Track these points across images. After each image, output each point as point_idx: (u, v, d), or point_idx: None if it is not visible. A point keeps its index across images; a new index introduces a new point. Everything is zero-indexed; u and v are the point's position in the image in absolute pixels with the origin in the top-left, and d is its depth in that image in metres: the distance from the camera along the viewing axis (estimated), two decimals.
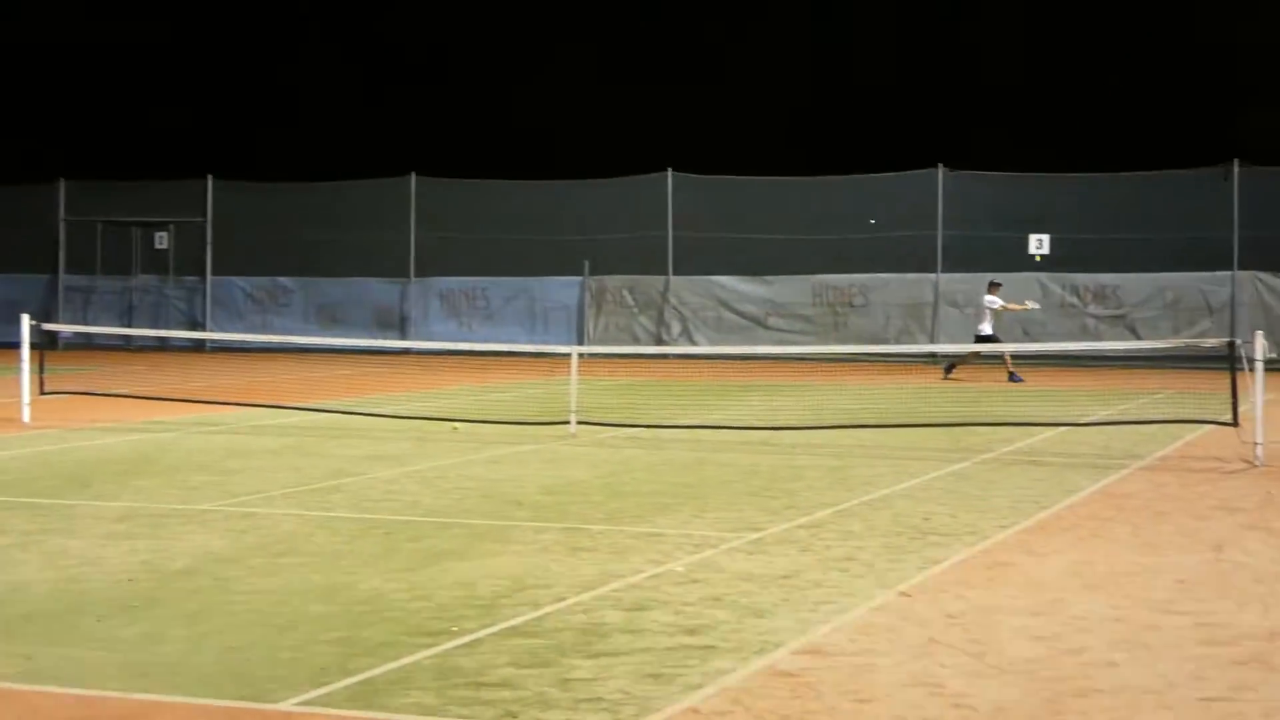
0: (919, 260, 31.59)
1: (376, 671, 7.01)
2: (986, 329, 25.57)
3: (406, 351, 31.91)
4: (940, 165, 31.58)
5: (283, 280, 35.50)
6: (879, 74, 40.58)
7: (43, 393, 18.59)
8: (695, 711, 6.41)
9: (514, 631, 7.77)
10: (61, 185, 36.77)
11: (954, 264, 31.43)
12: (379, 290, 34.83)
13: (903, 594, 8.70)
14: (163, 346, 34.65)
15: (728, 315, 32.62)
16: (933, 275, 31.43)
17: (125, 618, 8.13)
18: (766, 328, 32.12)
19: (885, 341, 30.76)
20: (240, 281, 35.67)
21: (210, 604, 8.49)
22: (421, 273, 34.61)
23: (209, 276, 35.83)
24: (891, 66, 40.88)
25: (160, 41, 44.07)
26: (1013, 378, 24.74)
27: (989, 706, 6.52)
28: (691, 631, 7.76)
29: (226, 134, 43.09)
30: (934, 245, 31.49)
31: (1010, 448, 15.80)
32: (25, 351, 18.30)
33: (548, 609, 8.26)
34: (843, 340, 29.92)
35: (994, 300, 25.62)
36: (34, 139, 42.67)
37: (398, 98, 43.20)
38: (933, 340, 30.64)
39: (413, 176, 34.75)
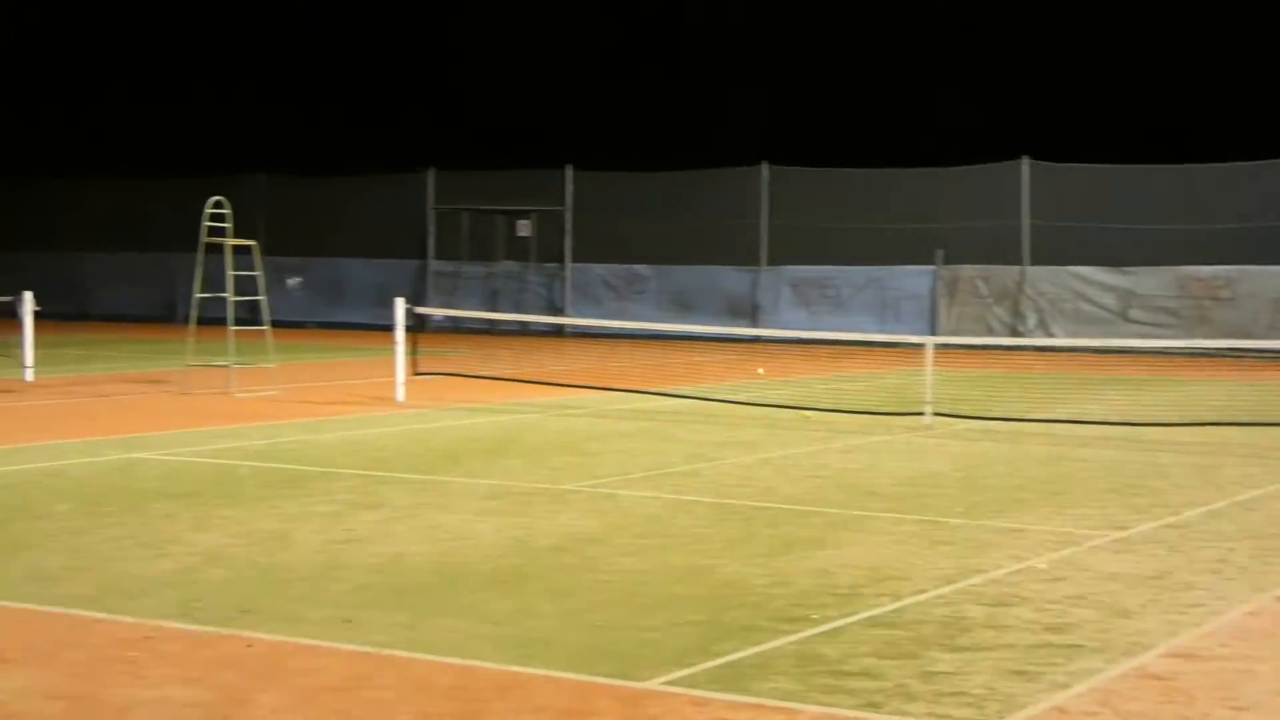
0: None
1: (739, 655, 7.12)
2: None
3: (757, 339, 32.10)
4: None
5: (638, 268, 36.13)
6: (1256, 55, 38.89)
7: (415, 374, 19.40)
8: (1062, 711, 6.31)
9: (874, 622, 7.78)
10: (431, 175, 38.23)
11: None
12: (730, 278, 35.13)
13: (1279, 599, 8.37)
14: (524, 331, 35.69)
15: (1086, 307, 31.76)
16: None
17: (498, 591, 8.45)
18: (1127, 320, 31.16)
19: (1254, 336, 29.46)
20: (598, 269, 36.46)
21: (577, 581, 8.75)
22: (773, 261, 34.76)
23: (569, 263, 36.74)
24: (1260, 47, 39.12)
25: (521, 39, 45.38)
26: None
27: None
28: (1056, 629, 7.63)
29: (586, 124, 44.05)
30: None
31: None
32: (400, 334, 19.12)
33: (907, 600, 8.24)
34: (1209, 335, 28.77)
35: None
36: (405, 131, 44.44)
37: (750, 88, 43.46)
38: None
39: (764, 166, 34.91)
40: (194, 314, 20.57)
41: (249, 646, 7.27)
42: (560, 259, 36.95)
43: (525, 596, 8.35)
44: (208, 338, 21.30)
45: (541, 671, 6.86)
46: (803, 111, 42.38)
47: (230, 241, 20.23)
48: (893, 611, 7.99)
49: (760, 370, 16.90)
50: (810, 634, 7.51)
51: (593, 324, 31.26)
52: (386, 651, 7.15)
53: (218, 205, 20.50)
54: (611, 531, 10.24)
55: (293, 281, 37.75)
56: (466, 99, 45.91)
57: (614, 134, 43.20)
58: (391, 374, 19.09)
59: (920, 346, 18.11)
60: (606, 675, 6.79)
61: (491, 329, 35.57)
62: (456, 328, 34.41)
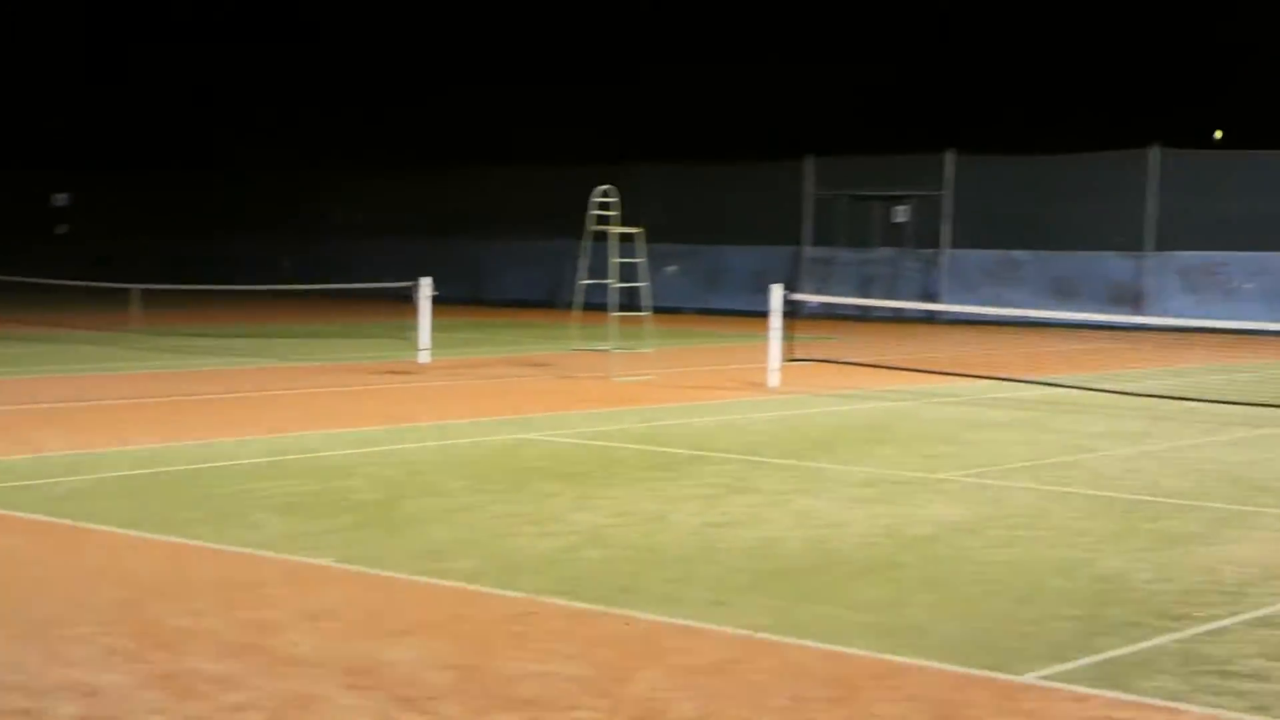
0: None
1: (1119, 652, 6.95)
2: None
3: (1142, 328, 31.12)
4: None
5: (1015, 253, 35.45)
6: None
7: (789, 359, 19.52)
8: None
9: (1263, 622, 7.49)
10: (809, 161, 38.32)
11: None
12: (1114, 264, 34.13)
13: None
14: (897, 317, 35.48)
15: None
16: None
17: (871, 579, 8.46)
18: None
19: None
20: (974, 254, 35.94)
21: (951, 572, 8.68)
22: (1161, 247, 33.61)
23: (945, 249, 36.33)
24: None
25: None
26: None
27: None
28: None
29: (966, 107, 43.45)
30: None
31: None
32: (776, 320, 19.27)
33: None
34: None
35: None
36: (784, 119, 44.66)
37: (1136, 69, 42.07)
38: None
39: (1155, 149, 33.75)
40: (579, 299, 21.17)
41: (627, 625, 7.47)
42: (936, 244, 36.56)
43: (898, 585, 8.34)
44: (590, 322, 21.89)
45: (915, 661, 6.84)
46: (1192, 92, 40.82)
47: (615, 229, 20.74)
48: None
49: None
50: (1195, 632, 7.28)
51: (968, 311, 30.86)
52: (760, 635, 7.25)
53: (605, 194, 21.03)
54: (986, 522, 10.12)
55: (671, 268, 38.44)
56: (847, 85, 45.82)
57: (995, 116, 42.48)
58: (765, 360, 19.25)
59: None
60: (982, 667, 6.73)
61: (865, 315, 35.47)
62: (830, 314, 34.44)
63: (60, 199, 50.59)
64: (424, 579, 8.40)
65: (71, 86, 51.54)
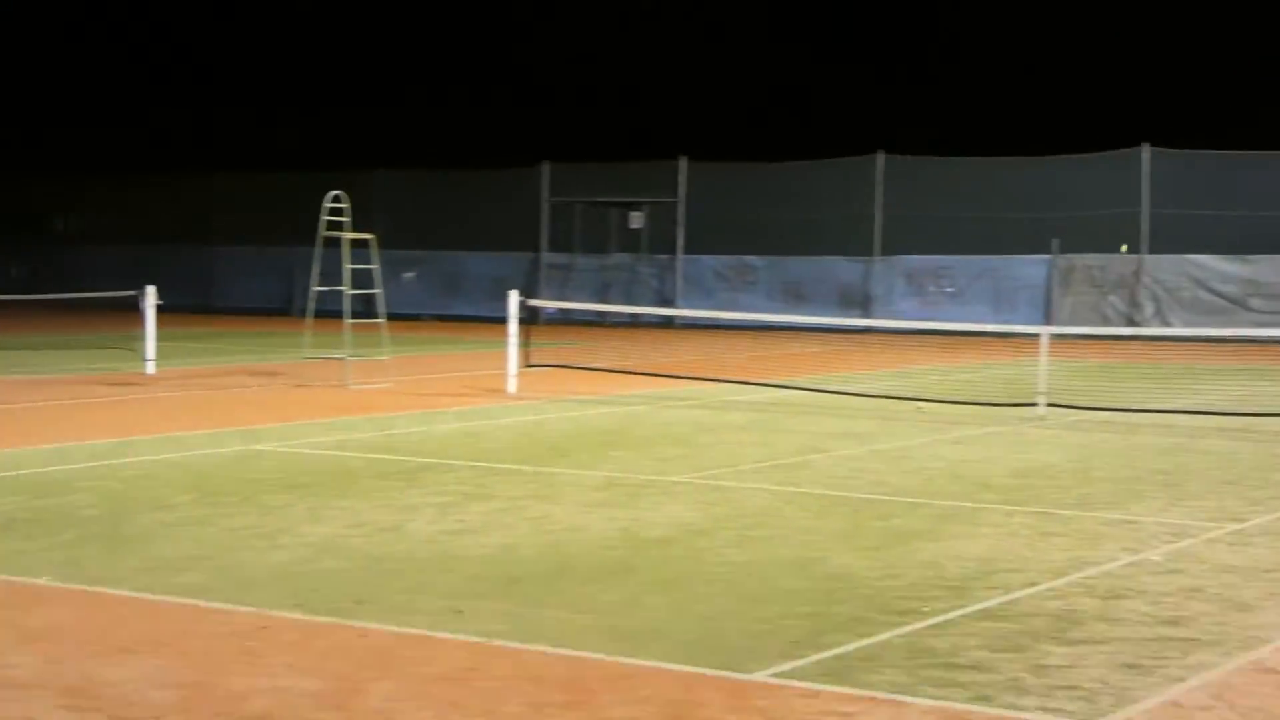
0: None
1: (848, 648, 7.10)
2: None
3: (870, 330, 31.96)
4: None
5: (750, 259, 36.07)
6: None
7: (527, 365, 19.52)
8: (1176, 705, 6.23)
9: (985, 614, 7.72)
10: (545, 168, 38.41)
11: None
12: (844, 269, 34.98)
13: None
14: (634, 323, 35.79)
15: (1205, 295, 31.29)
16: None
17: (607, 583, 8.49)
18: (1247, 309, 30.64)
19: None
20: (709, 260, 36.45)
21: (685, 573, 8.76)
22: (887, 251, 34.55)
23: (680, 255, 36.76)
24: None
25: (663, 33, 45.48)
26: None
27: None
28: (1171, 623, 7.53)
29: (699, 115, 44.02)
30: None
31: None
32: (513, 326, 19.24)
33: (1019, 593, 8.17)
34: None
35: None
36: (521, 125, 44.71)
37: (861, 78, 43.19)
38: None
39: (880, 155, 34.69)
40: (311, 307, 20.84)
41: (362, 636, 7.36)
42: (672, 250, 36.97)
43: (633, 588, 8.38)
44: (324, 330, 21.58)
45: (650, 663, 6.88)
46: (918, 100, 42.08)
47: (348, 235, 20.46)
48: (1004, 604, 7.93)
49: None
50: (920, 627, 7.47)
51: (704, 315, 31.31)
52: (497, 642, 7.21)
53: (336, 200, 20.73)
54: (720, 524, 10.25)
55: (408, 274, 38.14)
56: (581, 92, 46.07)
57: (727, 124, 43.17)
58: (504, 366, 19.22)
59: (1035, 337, 17.92)
60: (714, 667, 6.80)
61: (602, 321, 35.71)
62: (568, 320, 34.61)
63: None
64: (149, 596, 8.15)
65: None
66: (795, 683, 6.55)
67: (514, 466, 12.82)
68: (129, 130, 47.89)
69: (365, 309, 21.90)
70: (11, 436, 14.83)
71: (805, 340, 30.54)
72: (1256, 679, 6.59)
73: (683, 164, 36.92)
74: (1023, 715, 6.10)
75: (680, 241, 36.82)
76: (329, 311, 21.67)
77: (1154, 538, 9.73)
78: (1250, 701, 6.27)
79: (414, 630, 7.45)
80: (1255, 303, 30.74)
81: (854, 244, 34.87)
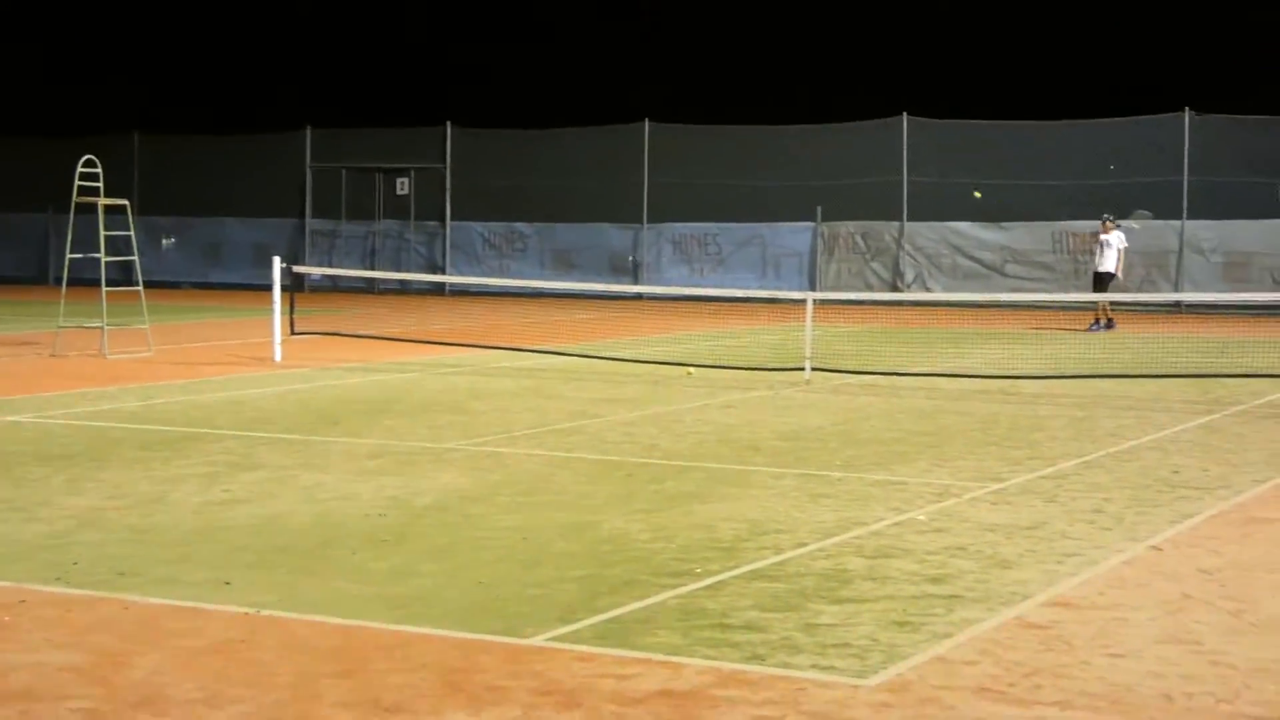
0: (1163, 207, 30.69)
1: (623, 610, 7.12)
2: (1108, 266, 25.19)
3: (639, 297, 32.13)
4: (1187, 109, 30.59)
5: (519, 226, 35.96)
6: (1124, 13, 39.43)
7: (293, 333, 19.18)
8: (943, 660, 6.38)
9: (757, 575, 7.81)
10: (308, 132, 37.75)
11: (1200, 211, 30.48)
12: (613, 236, 35.09)
13: (1154, 548, 8.52)
14: (404, 290, 35.45)
15: (964, 262, 32.15)
16: (1177, 222, 30.51)
17: (378, 551, 8.38)
18: (1004, 275, 31.57)
19: (1126, 290, 29.99)
20: (478, 227, 36.24)
21: (459, 540, 8.70)
22: (654, 218, 34.76)
23: (448, 222, 36.49)
24: (1140, 5, 39.69)
25: None
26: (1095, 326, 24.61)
27: (1248, 665, 6.36)
28: (936, 580, 7.71)
29: (464, 81, 43.69)
30: (1179, 191, 30.57)
31: (1262, 400, 15.33)
32: (277, 293, 18.89)
33: (789, 554, 8.29)
34: (1083, 288, 29.21)
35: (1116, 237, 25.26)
36: (281, 88, 43.87)
37: (629, 44, 43.35)
38: (1176, 289, 29.77)
39: (646, 123, 34.86)
40: (65, 275, 20.17)
41: (126, 609, 7.15)
42: (440, 217, 36.69)
43: (406, 555, 8.29)
44: (80, 299, 20.90)
45: (424, 630, 6.81)
46: (682, 68, 42.36)
47: (102, 201, 19.83)
48: (775, 565, 8.03)
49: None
50: (693, 588, 7.53)
51: (473, 282, 31.16)
52: (266, 613, 7.06)
53: (89, 164, 20.07)
54: (493, 490, 10.19)
55: (167, 241, 37.21)
56: (345, 56, 45.35)
57: (493, 91, 42.91)
58: (269, 334, 18.86)
59: (800, 302, 18.20)
60: (490, 632, 6.76)
61: (371, 288, 35.30)
62: (336, 287, 34.14)
63: None
64: None
65: None
66: (572, 646, 6.54)
67: (282, 435, 12.58)
68: None
69: (123, 277, 21.27)
70: None
71: (576, 307, 30.60)
72: (1020, 633, 6.78)
73: (449, 129, 36.62)
74: (795, 674, 6.19)
75: (448, 208, 36.55)
76: (85, 280, 21.02)
77: (919, 498, 9.96)
78: (1014, 655, 6.44)
79: (180, 602, 7.26)
80: (1012, 269, 31.68)
81: (623, 212, 35.00)
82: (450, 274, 34.61)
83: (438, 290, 35.23)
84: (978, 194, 31.26)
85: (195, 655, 6.43)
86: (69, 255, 19.83)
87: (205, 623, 6.95)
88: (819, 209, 32.97)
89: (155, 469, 10.91)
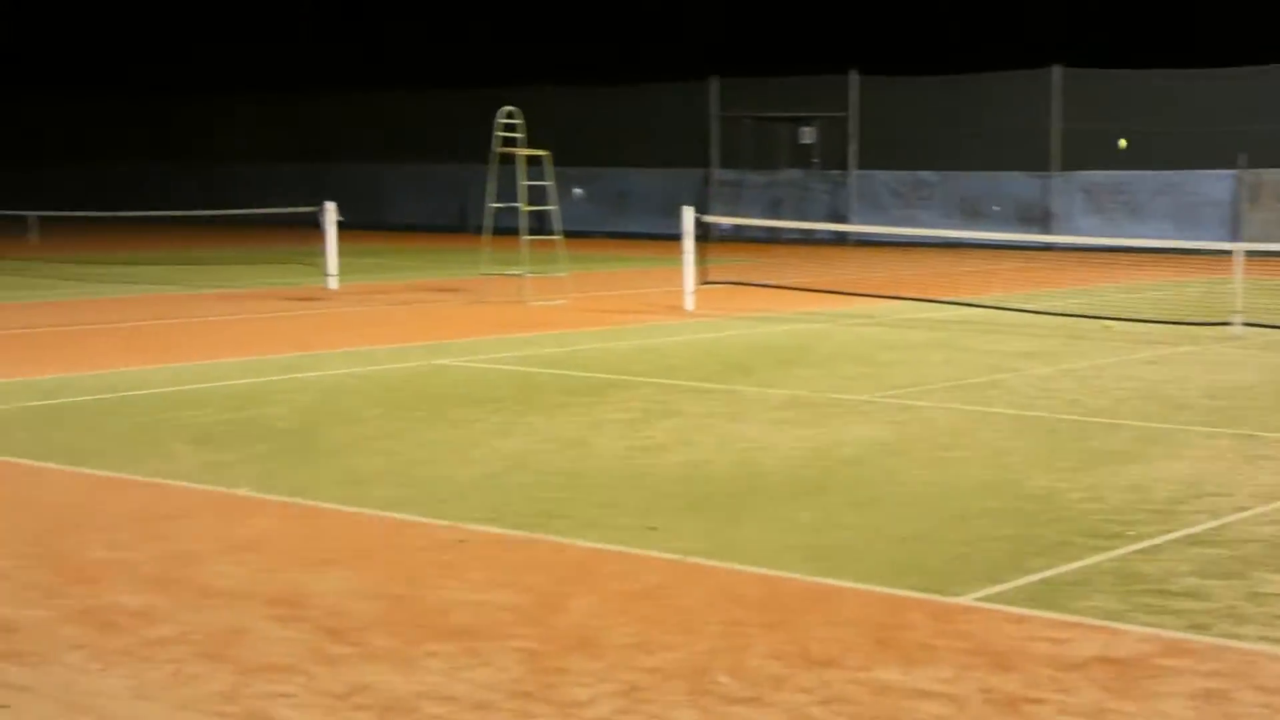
0: None
1: (1053, 571, 6.93)
2: None
3: (1049, 247, 31.30)
4: None
5: (924, 174, 35.48)
6: None
7: (703, 282, 19.42)
8: None
9: (1194, 540, 7.49)
10: (714, 83, 38.09)
11: None
12: (1021, 184, 34.25)
13: None
14: (807, 239, 35.47)
15: None
16: None
17: (799, 502, 8.39)
18: None
19: None
20: (883, 175, 35.93)
21: (879, 493, 8.64)
22: (1066, 166, 33.76)
23: (852, 171, 36.30)
24: None
25: None
26: None
27: None
28: None
29: (870, 28, 43.35)
30: None
31: None
32: (689, 243, 19.14)
33: (1229, 518, 7.92)
34: None
35: None
36: (688, 39, 44.40)
37: None
38: None
39: (1056, 68, 33.83)
40: (488, 223, 20.92)
41: (559, 551, 7.36)
42: (844, 166, 36.53)
43: (827, 508, 8.28)
44: (499, 248, 21.66)
45: (849, 584, 6.78)
46: (1097, 12, 40.96)
47: (522, 152, 20.47)
48: (1214, 529, 7.68)
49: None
50: (1128, 551, 7.27)
51: (878, 231, 30.89)
52: (692, 559, 7.16)
53: (510, 116, 20.73)
54: (911, 443, 10.08)
55: (578, 192, 38.16)
56: (750, 6, 45.58)
57: (899, 37, 42.41)
58: (679, 283, 19.14)
59: (1226, 254, 17.38)
60: (916, 589, 6.68)
61: (774, 238, 35.42)
62: (739, 237, 34.34)
63: None
64: (347, 508, 8.24)
65: None
66: (1001, 606, 6.41)
67: (697, 384, 12.75)
68: (300, 46, 48.41)
69: (538, 226, 21.94)
70: (204, 349, 15.13)
71: (983, 258, 30.02)
72: None
73: (853, 78, 36.34)
74: (1243, 645, 5.90)
75: (853, 157, 36.34)
76: (503, 229, 21.76)
77: None
78: None
79: (609, 546, 7.43)
80: None
81: (1031, 159, 34.12)
82: (854, 223, 34.43)
83: (840, 240, 35.11)
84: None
85: (627, 600, 6.57)
86: (490, 204, 20.56)
87: (634, 567, 7.09)
88: (1242, 156, 31.39)
89: (579, 414, 11.21)
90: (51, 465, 9.34)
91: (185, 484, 8.82)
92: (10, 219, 29.18)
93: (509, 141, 20.70)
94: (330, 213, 22.03)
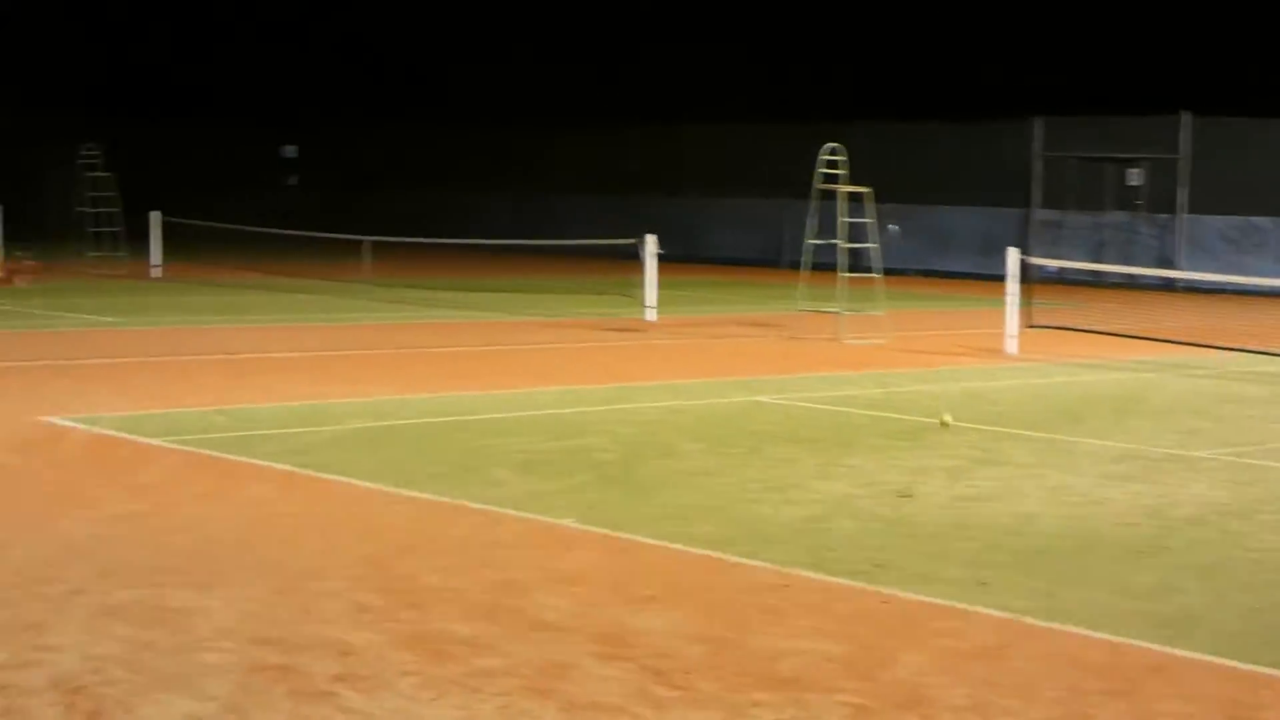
0: None
1: None
2: None
3: None
4: None
5: (1257, 220, 34.05)
6: None
7: (1029, 325, 18.92)
8: None
9: None
10: (1038, 122, 37.30)
11: None
12: None
13: None
14: (1132, 284, 34.35)
15: None
16: None
17: (1137, 563, 8.02)
18: None
19: None
20: (1213, 220, 34.61)
21: (1222, 558, 8.20)
22: None
23: (1181, 215, 35.07)
24: None
25: None
26: None
27: None
28: None
29: (1203, 68, 41.91)
30: None
31: None
32: (1013, 285, 18.68)
33: None
34: None
35: None
36: (1012, 77, 43.60)
37: None
38: None
39: None
40: (807, 259, 20.81)
41: (884, 603, 7.17)
42: (1172, 209, 35.31)
43: (1167, 570, 7.89)
44: (815, 283, 21.52)
45: (1195, 654, 6.42)
46: None
47: (844, 189, 20.30)
48: None
49: None
50: None
51: (1208, 278, 29.72)
52: (1026, 619, 6.89)
53: (833, 152, 20.60)
54: (1254, 505, 9.56)
55: (893, 228, 37.77)
56: (1075, 41, 44.54)
57: (1232, 78, 40.87)
58: (1000, 325, 18.68)
59: None
60: (1270, 665, 6.28)
61: (1096, 281, 34.41)
62: (1061, 279, 33.47)
63: (289, 151, 51.68)
64: (669, 544, 8.20)
65: (295, 43, 52.36)
66: None
67: (1023, 431, 12.38)
68: (620, 78, 49.16)
69: (855, 263, 21.72)
70: (525, 377, 15.37)
71: None
72: None
73: (1185, 118, 35.12)
74: None
75: (1182, 200, 35.10)
76: (819, 265, 21.60)
77: None
78: None
79: (938, 600, 7.20)
80: None
81: None
82: (1183, 269, 33.21)
83: (1168, 286, 33.91)
84: None
85: (958, 658, 6.35)
86: (809, 240, 20.44)
87: (965, 624, 6.86)
88: None
89: (899, 458, 10.99)
90: (381, 487, 9.55)
91: (511, 511, 8.91)
92: (346, 243, 30.27)
93: (830, 178, 20.56)
94: (650, 245, 22.21)
